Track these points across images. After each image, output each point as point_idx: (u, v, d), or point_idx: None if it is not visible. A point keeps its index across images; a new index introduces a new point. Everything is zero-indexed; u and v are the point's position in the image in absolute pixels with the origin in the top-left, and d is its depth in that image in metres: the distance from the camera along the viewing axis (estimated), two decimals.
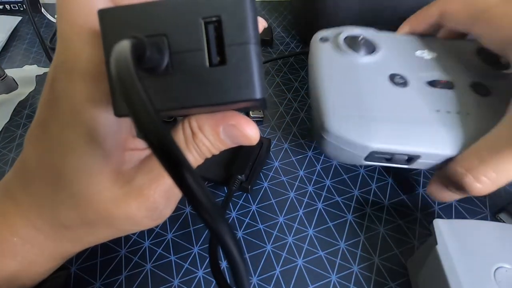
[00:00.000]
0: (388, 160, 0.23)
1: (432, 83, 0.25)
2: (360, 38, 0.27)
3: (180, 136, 0.15)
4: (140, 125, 0.08)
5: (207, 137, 0.15)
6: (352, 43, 0.27)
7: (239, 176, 0.25)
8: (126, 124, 0.16)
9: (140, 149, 0.16)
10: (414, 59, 0.27)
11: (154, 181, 0.15)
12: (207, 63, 0.12)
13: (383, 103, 0.23)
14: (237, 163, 0.26)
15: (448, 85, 0.25)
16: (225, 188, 0.28)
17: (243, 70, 0.12)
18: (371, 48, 0.27)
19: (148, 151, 0.16)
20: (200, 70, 0.12)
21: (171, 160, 0.08)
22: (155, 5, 0.12)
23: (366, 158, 0.23)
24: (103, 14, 0.12)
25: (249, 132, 0.15)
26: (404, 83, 0.25)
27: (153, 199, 0.15)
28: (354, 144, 0.22)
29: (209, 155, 0.16)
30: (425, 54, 0.27)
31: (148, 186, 0.15)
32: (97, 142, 0.14)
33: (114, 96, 0.12)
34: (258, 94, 0.12)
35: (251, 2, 0.12)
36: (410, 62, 0.27)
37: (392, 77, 0.25)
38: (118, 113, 0.13)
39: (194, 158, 0.16)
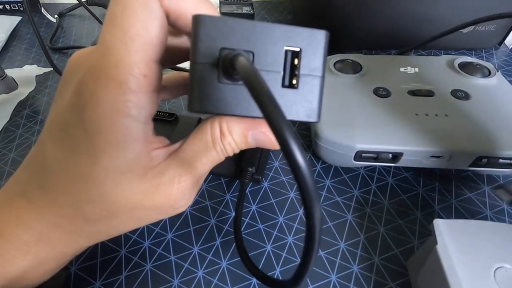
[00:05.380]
0: (375, 159, 0.26)
1: (414, 93, 0.29)
2: (347, 61, 0.32)
3: (207, 135, 0.16)
4: (271, 122, 0.10)
5: (234, 139, 0.16)
6: (341, 66, 0.32)
7: (250, 169, 0.27)
8: (151, 124, 0.16)
9: (161, 146, 0.17)
10: (398, 74, 0.31)
11: (183, 174, 0.16)
12: (281, 84, 0.14)
13: (366, 111, 0.27)
14: (246, 157, 0.28)
15: (429, 93, 0.29)
16: (236, 182, 0.28)
17: (310, 97, 0.14)
18: (357, 68, 0.32)
19: (172, 148, 0.17)
20: (273, 89, 0.14)
21: (289, 147, 0.10)
22: (248, 24, 0.14)
23: (355, 158, 0.26)
24: (200, 19, 0.13)
25: None
26: (386, 94, 0.29)
27: (182, 191, 0.17)
28: (342, 146, 0.26)
29: (231, 154, 0.17)
30: (408, 70, 0.31)
31: (178, 179, 0.16)
32: (128, 144, 0.15)
33: (192, 94, 0.14)
34: (317, 119, 0.15)
35: (326, 43, 0.14)
36: (393, 77, 0.31)
37: (376, 90, 0.29)
38: (192, 110, 0.14)
39: (218, 156, 0.17)
